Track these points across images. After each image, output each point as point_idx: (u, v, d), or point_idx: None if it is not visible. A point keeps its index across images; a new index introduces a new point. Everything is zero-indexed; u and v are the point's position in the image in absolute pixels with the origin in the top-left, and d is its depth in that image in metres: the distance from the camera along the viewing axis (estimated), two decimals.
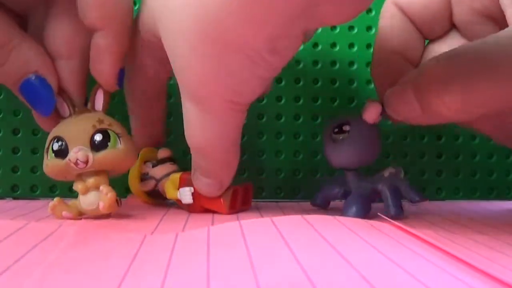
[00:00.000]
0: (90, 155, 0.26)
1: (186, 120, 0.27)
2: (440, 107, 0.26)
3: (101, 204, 0.26)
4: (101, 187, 0.27)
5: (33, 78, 0.28)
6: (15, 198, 0.37)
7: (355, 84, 0.40)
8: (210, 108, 0.26)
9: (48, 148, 0.27)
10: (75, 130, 0.27)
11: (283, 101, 0.39)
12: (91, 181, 0.27)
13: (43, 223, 0.23)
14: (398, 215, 0.28)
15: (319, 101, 0.39)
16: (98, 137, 0.27)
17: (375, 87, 0.32)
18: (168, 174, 0.32)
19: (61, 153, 0.27)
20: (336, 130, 0.30)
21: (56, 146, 0.27)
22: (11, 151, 0.37)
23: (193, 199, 0.29)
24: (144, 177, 0.33)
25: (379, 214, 0.27)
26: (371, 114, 0.29)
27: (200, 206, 0.30)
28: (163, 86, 0.33)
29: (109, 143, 0.27)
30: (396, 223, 0.23)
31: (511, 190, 0.42)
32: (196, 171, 0.29)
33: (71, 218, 0.27)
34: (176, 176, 0.31)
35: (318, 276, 0.15)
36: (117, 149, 0.27)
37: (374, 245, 0.19)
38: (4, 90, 0.37)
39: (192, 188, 0.29)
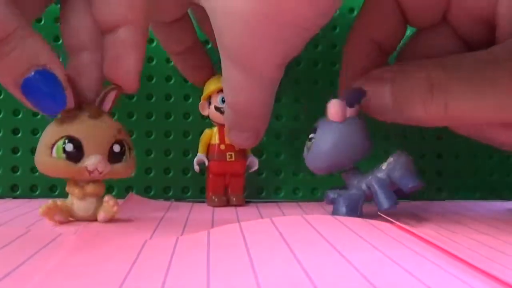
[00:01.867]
0: (108, 166, 0.26)
1: (231, 87, 0.29)
2: (418, 112, 0.27)
3: (102, 215, 0.26)
4: (106, 198, 0.26)
5: (41, 72, 0.24)
6: (14, 198, 0.37)
7: None
8: (260, 73, 0.27)
9: (53, 145, 0.25)
10: (97, 136, 0.25)
11: (282, 102, 0.39)
12: (89, 188, 0.26)
13: (44, 231, 0.23)
14: (391, 207, 0.27)
15: (319, 102, 0.39)
16: (116, 148, 0.26)
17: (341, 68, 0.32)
18: None
19: (75, 157, 0.25)
20: (308, 138, 0.29)
21: (69, 147, 0.25)
22: (11, 151, 0.37)
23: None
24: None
25: (379, 213, 0.27)
26: (335, 113, 0.28)
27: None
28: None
29: (124, 157, 0.26)
30: (396, 222, 0.23)
31: (511, 190, 0.42)
32: (232, 129, 0.31)
33: (62, 222, 0.26)
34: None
35: (318, 276, 0.15)
36: (126, 163, 0.26)
37: (374, 244, 0.19)
38: (4, 90, 0.37)
39: None
